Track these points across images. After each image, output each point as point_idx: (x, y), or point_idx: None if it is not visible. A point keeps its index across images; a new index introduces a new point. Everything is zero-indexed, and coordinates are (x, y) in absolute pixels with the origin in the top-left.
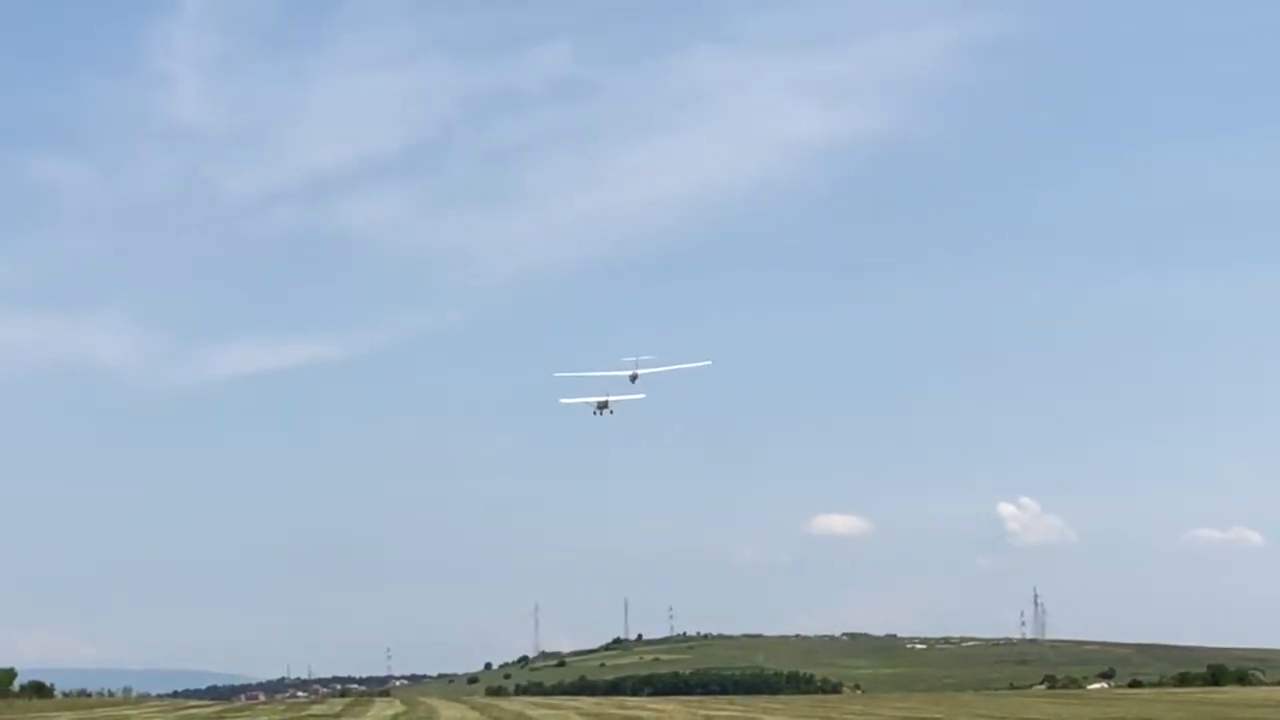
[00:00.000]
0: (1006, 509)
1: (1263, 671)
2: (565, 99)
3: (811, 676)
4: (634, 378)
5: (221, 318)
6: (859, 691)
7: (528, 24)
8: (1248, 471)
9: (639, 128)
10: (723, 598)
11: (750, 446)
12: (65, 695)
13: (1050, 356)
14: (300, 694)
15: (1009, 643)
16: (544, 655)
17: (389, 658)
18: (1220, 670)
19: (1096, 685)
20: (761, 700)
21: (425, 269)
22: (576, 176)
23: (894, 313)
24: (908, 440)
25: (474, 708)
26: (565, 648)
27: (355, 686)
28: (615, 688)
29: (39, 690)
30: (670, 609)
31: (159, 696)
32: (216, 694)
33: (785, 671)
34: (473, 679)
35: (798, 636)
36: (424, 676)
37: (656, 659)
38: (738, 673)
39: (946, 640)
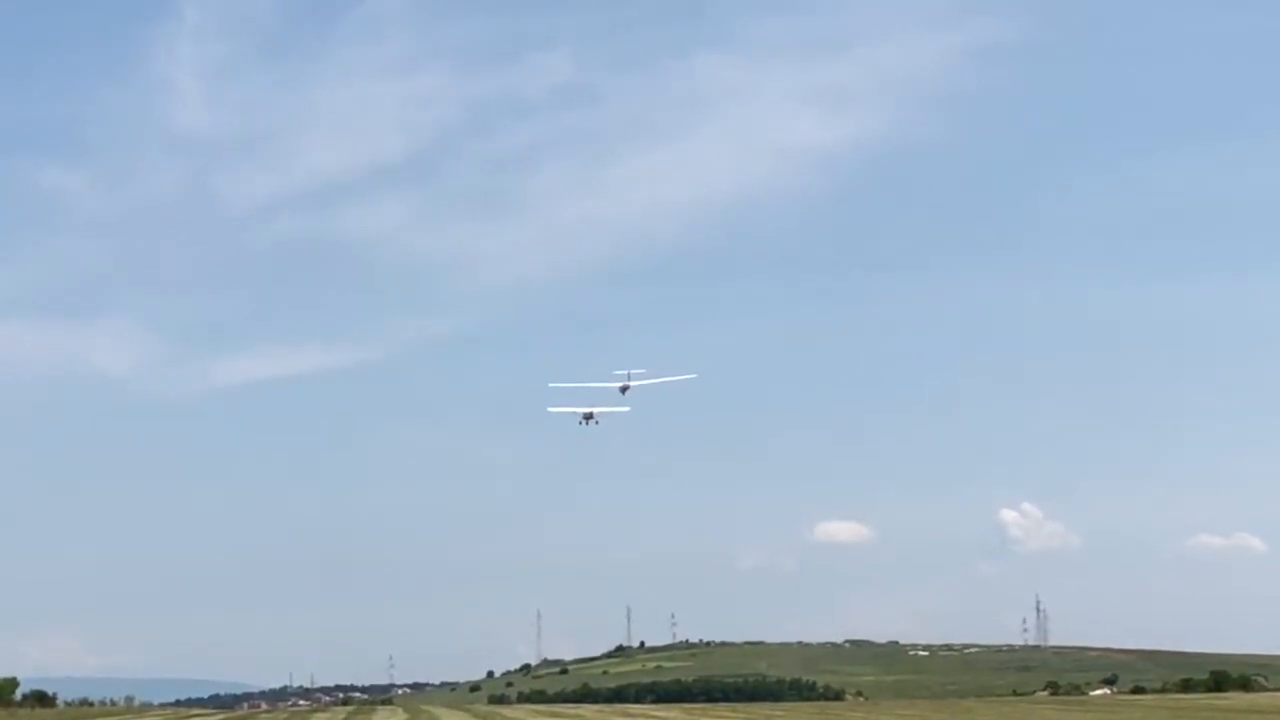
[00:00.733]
0: (1009, 515)
1: (1265, 677)
2: (567, 106)
3: (814, 684)
4: (624, 389)
5: (225, 325)
6: (861, 699)
7: (530, 31)
8: (1250, 477)
9: (641, 134)
10: (725, 605)
11: (753, 453)
12: (67, 704)
13: (1051, 361)
14: (303, 702)
15: (1011, 649)
16: (546, 663)
17: (391, 666)
18: (1223, 676)
19: (1099, 691)
20: (764, 708)
21: (428, 276)
22: (579, 183)
23: (896, 318)
24: (910, 446)
25: (476, 716)
26: (568, 655)
27: (358, 694)
28: (618, 695)
29: (41, 699)
30: (673, 616)
31: (162, 705)
32: (219, 702)
33: (788, 679)
34: (475, 687)
35: (800, 643)
36: (426, 684)
37: (659, 666)
38: (740, 680)
39: (949, 647)
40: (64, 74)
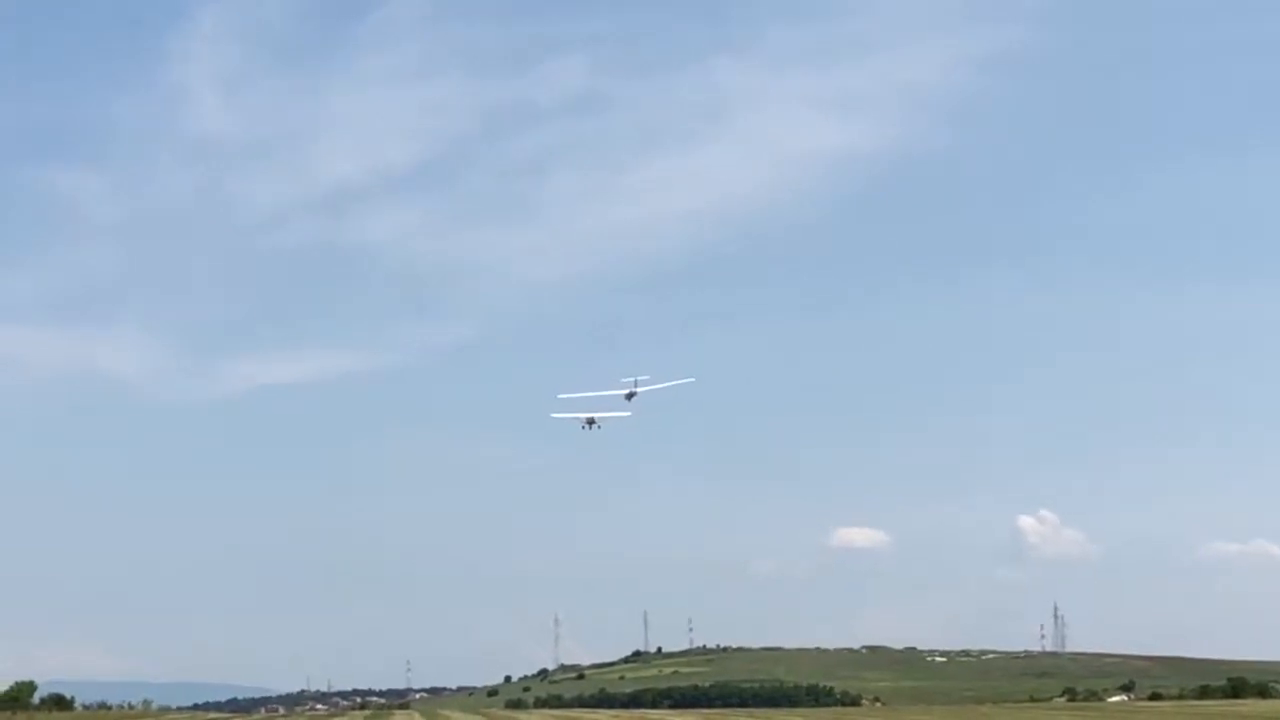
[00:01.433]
0: (1026, 522)
1: None
2: (581, 112)
3: (831, 689)
4: (631, 395)
5: (238, 330)
6: (878, 704)
7: (544, 37)
8: (1268, 484)
9: (655, 141)
10: (742, 610)
11: (770, 459)
12: (85, 708)
13: (1067, 368)
14: (320, 706)
15: (1029, 655)
16: (563, 668)
17: (408, 670)
18: (1241, 683)
19: (1116, 698)
20: (781, 713)
21: (441, 282)
22: (592, 190)
23: (913, 324)
24: (927, 453)
25: None
26: (585, 660)
27: (375, 699)
28: (635, 700)
29: (59, 703)
30: (690, 622)
31: (179, 709)
32: (237, 706)
33: (804, 684)
34: (492, 692)
35: (817, 649)
36: (443, 689)
37: (676, 671)
38: (757, 685)
39: (966, 653)
40: (80, 79)
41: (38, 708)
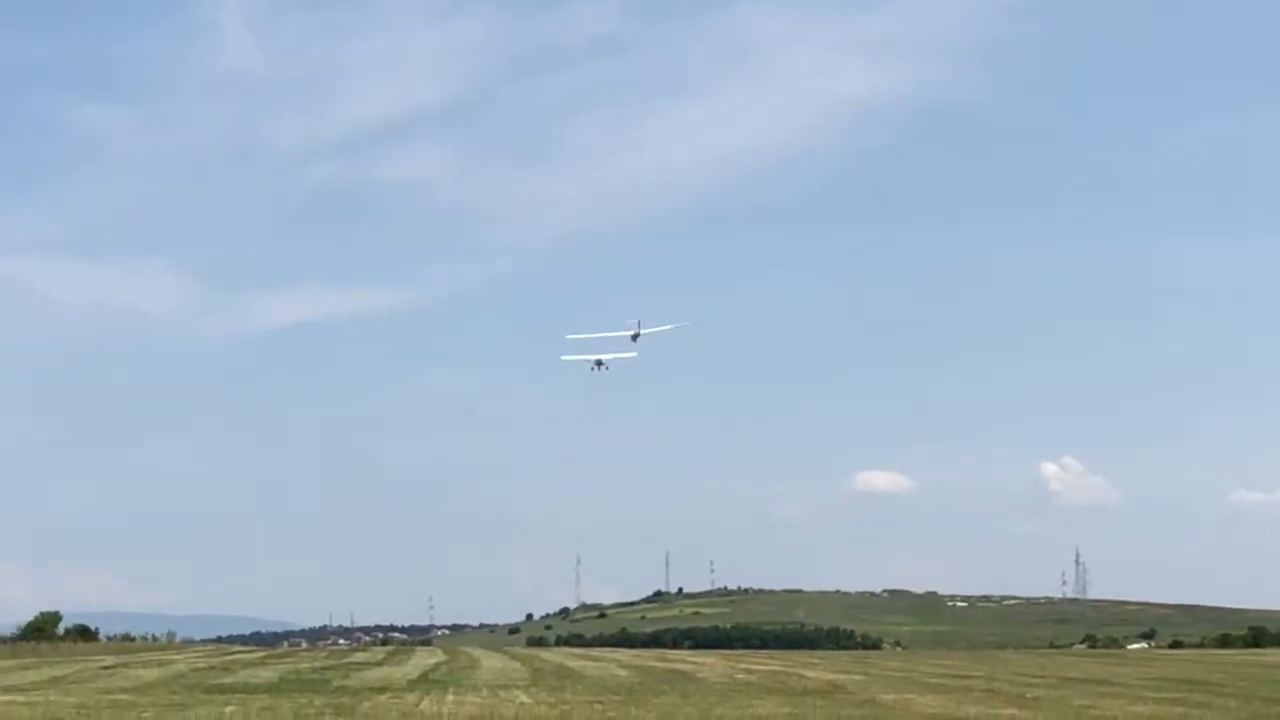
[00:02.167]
0: (1049, 469)
1: None
2: (609, 56)
3: (851, 632)
4: (635, 337)
5: (265, 268)
6: (899, 648)
7: None
8: None
9: (683, 86)
10: (764, 553)
11: (792, 402)
12: (109, 639)
13: (1093, 317)
14: (342, 641)
15: (1050, 602)
16: (585, 607)
17: (431, 607)
18: (1261, 632)
19: (1137, 645)
20: (802, 655)
21: (468, 223)
22: (619, 134)
23: (937, 271)
24: (951, 398)
25: (515, 658)
26: (606, 600)
27: (397, 635)
28: (656, 640)
29: (83, 634)
30: (711, 563)
31: (203, 641)
32: (260, 640)
33: (825, 627)
34: (514, 629)
35: (838, 592)
36: (465, 626)
37: (697, 612)
38: (778, 627)
39: (987, 598)
40: (108, 14)
41: (62, 638)
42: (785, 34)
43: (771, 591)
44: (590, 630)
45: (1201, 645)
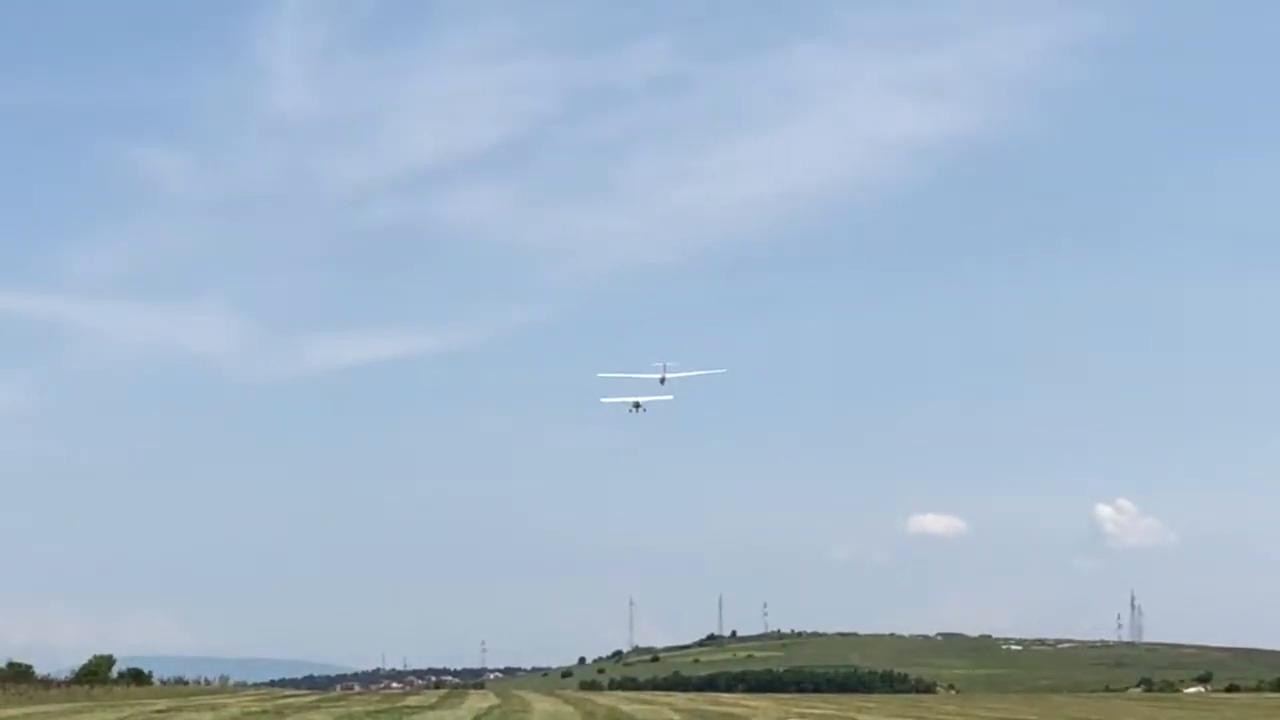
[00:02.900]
0: (1104, 511)
1: None
2: (664, 94)
3: (905, 676)
4: (663, 380)
5: (319, 309)
6: (953, 692)
7: (628, 19)
8: None
9: (737, 124)
10: (817, 596)
11: (846, 444)
12: (163, 683)
13: (1148, 357)
14: (395, 685)
15: (1105, 645)
16: (638, 650)
17: (484, 650)
18: None
19: (1193, 689)
20: (855, 699)
21: (522, 263)
22: (674, 173)
23: (992, 311)
24: (1005, 441)
25: (568, 701)
26: (659, 643)
27: (450, 678)
28: (709, 684)
29: (137, 677)
30: (765, 606)
31: (256, 685)
32: (313, 683)
33: (879, 670)
34: (566, 673)
35: (892, 635)
36: (518, 669)
37: (750, 656)
38: (831, 671)
39: (1042, 642)
40: (166, 57)
41: (116, 681)
42: (837, 74)
43: (825, 635)
44: (643, 674)
45: (1258, 689)
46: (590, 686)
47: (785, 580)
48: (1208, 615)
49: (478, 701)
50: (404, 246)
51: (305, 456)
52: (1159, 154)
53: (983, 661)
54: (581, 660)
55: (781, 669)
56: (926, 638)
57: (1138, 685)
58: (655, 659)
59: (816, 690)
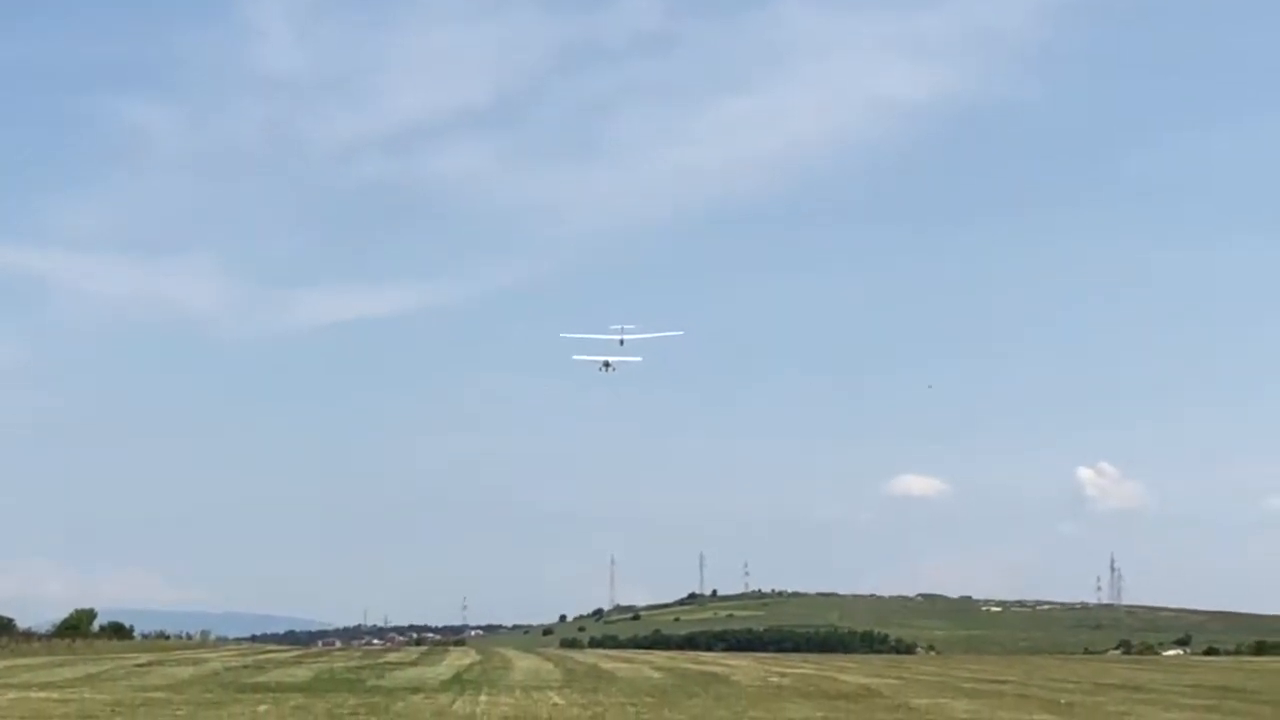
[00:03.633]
0: (1085, 474)
1: None
2: (653, 53)
3: (886, 636)
4: (621, 342)
5: (306, 266)
6: (933, 653)
7: None
8: None
9: (726, 84)
10: (798, 556)
11: (829, 405)
12: (144, 637)
13: (1132, 321)
14: (376, 641)
15: (1085, 607)
16: (619, 609)
17: (465, 608)
18: None
19: (1172, 651)
20: (836, 659)
21: (511, 221)
22: (663, 131)
23: (977, 272)
24: (987, 402)
25: (549, 659)
26: (640, 602)
27: (431, 635)
28: (689, 642)
29: (118, 631)
30: (746, 566)
31: (237, 640)
32: (294, 639)
33: (859, 630)
34: (547, 630)
35: (872, 596)
36: (499, 627)
37: (731, 615)
38: (811, 631)
39: (1022, 603)
40: (154, 12)
41: (97, 635)
42: (827, 32)
43: (805, 595)
44: (624, 632)
45: (1237, 652)
46: (571, 644)
47: (766, 540)
48: (1187, 579)
49: (458, 658)
50: (391, 204)
51: (290, 413)
52: (1151, 116)
53: (963, 623)
54: (563, 618)
55: (762, 628)
56: (907, 598)
57: (1117, 647)
58: (636, 617)
59: (796, 649)
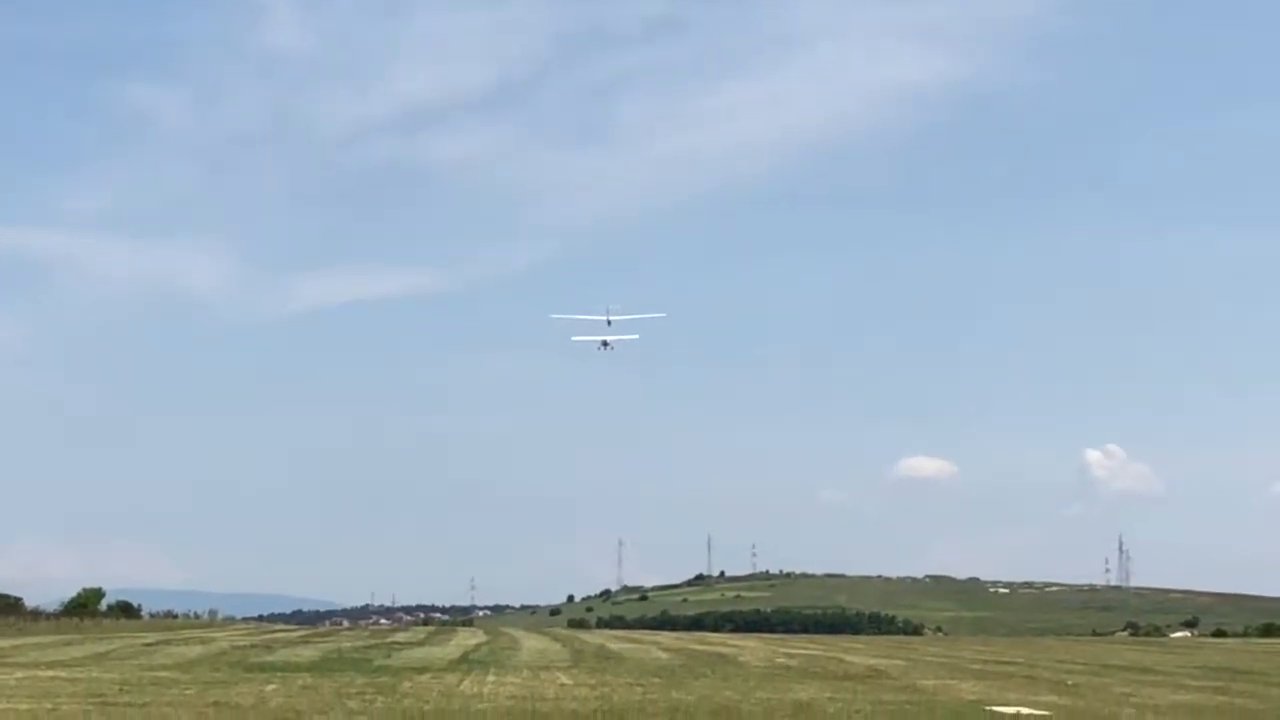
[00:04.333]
0: (1093, 456)
1: None
2: (658, 37)
3: (893, 618)
4: (609, 323)
5: (311, 248)
6: (941, 634)
7: None
8: None
9: (731, 68)
10: (806, 538)
11: (837, 387)
12: (152, 616)
13: (1140, 304)
14: (384, 621)
15: (1093, 589)
16: (626, 589)
17: (472, 588)
18: None
19: (1180, 633)
20: (843, 640)
21: (515, 203)
22: (667, 116)
23: (984, 257)
24: (996, 384)
25: (556, 639)
26: (648, 582)
27: (438, 615)
28: (697, 623)
29: (126, 610)
30: (753, 547)
31: (244, 620)
32: (301, 619)
33: (866, 612)
34: (555, 611)
35: (880, 577)
36: (507, 607)
37: (738, 596)
38: (819, 612)
39: (1030, 585)
40: None
41: (105, 614)
42: (834, 19)
43: (813, 576)
44: (631, 613)
45: (1244, 634)
46: (578, 625)
47: (774, 522)
48: (1195, 560)
49: (466, 638)
50: (395, 186)
51: (296, 394)
52: (1156, 102)
53: (970, 604)
54: (570, 599)
55: (769, 609)
56: (914, 580)
57: (1124, 629)
58: (644, 598)
59: (804, 631)
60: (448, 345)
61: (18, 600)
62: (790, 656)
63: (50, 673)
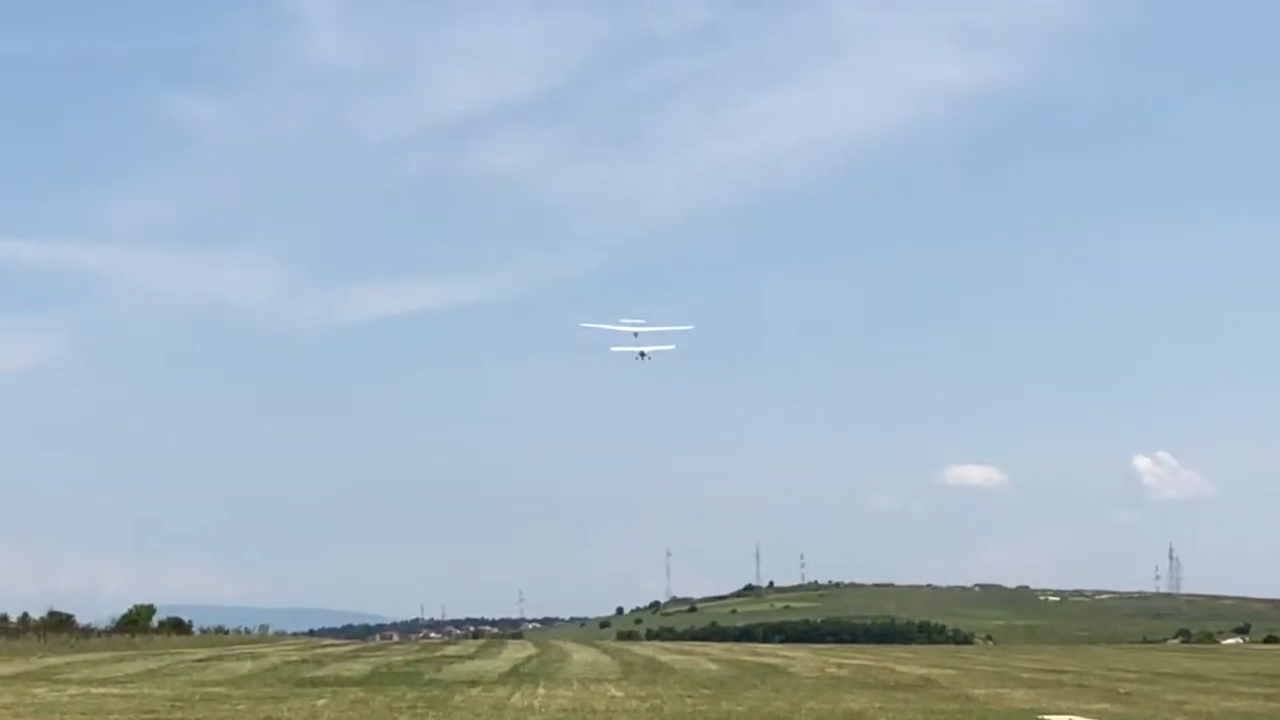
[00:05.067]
0: (1143, 462)
1: None
2: (701, 45)
3: (943, 627)
4: (635, 334)
5: (356, 259)
6: (990, 642)
7: None
8: None
9: (774, 75)
10: (855, 546)
11: (884, 394)
12: (203, 632)
13: (1192, 308)
14: (434, 635)
15: (1143, 596)
16: (675, 600)
17: (521, 601)
18: None
19: (1232, 640)
20: (893, 650)
21: (559, 214)
22: (710, 124)
23: (1031, 262)
24: (1044, 390)
25: (605, 651)
26: (697, 593)
27: (488, 628)
28: (746, 634)
29: (177, 626)
30: (802, 557)
31: (295, 635)
32: (352, 633)
33: (916, 621)
34: (604, 623)
35: (929, 586)
36: (556, 619)
37: (788, 606)
38: (868, 621)
39: (1080, 593)
40: (204, 5)
41: (156, 630)
42: (876, 23)
43: (862, 585)
44: (680, 624)
45: None
46: (628, 637)
47: (822, 531)
48: (1246, 567)
49: (516, 651)
50: (441, 197)
51: (345, 406)
52: (1202, 102)
53: (1020, 612)
54: (619, 610)
55: (819, 619)
56: (964, 588)
57: (1176, 636)
58: (693, 609)
59: (854, 641)
60: (491, 355)
61: (70, 617)
62: (840, 667)
63: (102, 689)
